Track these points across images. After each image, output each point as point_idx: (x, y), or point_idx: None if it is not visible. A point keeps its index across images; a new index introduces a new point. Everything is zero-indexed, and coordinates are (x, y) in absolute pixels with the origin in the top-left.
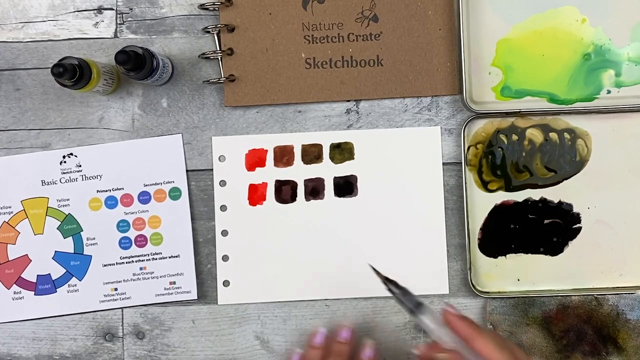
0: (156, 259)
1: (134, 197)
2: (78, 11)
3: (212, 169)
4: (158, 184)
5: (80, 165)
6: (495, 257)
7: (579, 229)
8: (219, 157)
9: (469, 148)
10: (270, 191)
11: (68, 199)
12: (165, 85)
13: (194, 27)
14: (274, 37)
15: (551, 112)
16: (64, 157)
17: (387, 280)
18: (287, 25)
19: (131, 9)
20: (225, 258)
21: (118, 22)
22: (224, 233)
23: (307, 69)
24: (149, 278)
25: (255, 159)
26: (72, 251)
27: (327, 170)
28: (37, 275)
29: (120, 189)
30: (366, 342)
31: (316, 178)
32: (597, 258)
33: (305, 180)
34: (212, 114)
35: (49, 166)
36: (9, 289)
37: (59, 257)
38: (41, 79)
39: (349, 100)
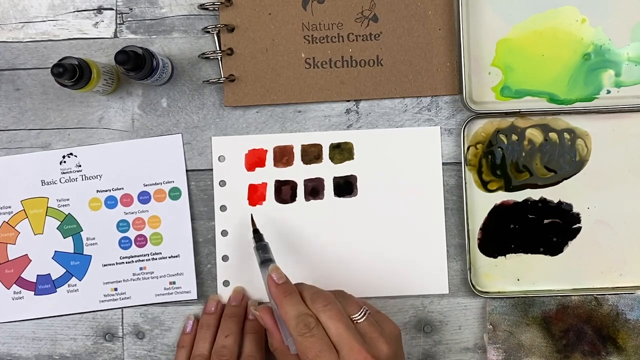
0: (156, 259)
1: (133, 197)
2: (78, 11)
3: (212, 169)
4: (158, 184)
5: (80, 165)
6: (495, 257)
7: (579, 229)
8: (219, 157)
9: (468, 148)
10: (270, 191)
11: (68, 199)
12: (165, 85)
13: (194, 27)
14: (273, 37)
15: (551, 112)
16: (63, 157)
17: (254, 231)
18: (287, 25)
19: (131, 9)
20: (225, 258)
21: (118, 22)
22: (224, 233)
23: (307, 69)
24: (149, 278)
25: (255, 159)
26: (72, 251)
27: (327, 170)
28: (37, 275)
29: (120, 189)
30: (252, 304)
31: (316, 178)
32: (597, 258)
33: (305, 180)
34: (212, 114)
35: (48, 166)
36: (9, 289)
37: (58, 257)
38: (41, 79)
39: (348, 100)
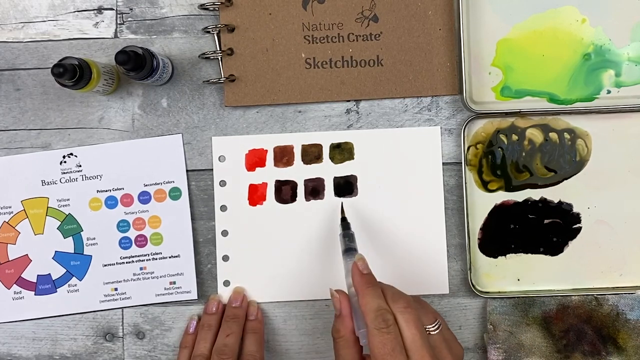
0: (156, 259)
1: (134, 197)
2: (78, 11)
3: (212, 169)
4: (158, 184)
5: (80, 165)
6: (495, 257)
7: (579, 229)
8: (219, 157)
9: (469, 148)
10: (270, 191)
11: (68, 199)
12: (165, 85)
13: (194, 27)
14: (274, 37)
15: (551, 112)
16: (64, 157)
17: (343, 219)
18: (287, 25)
19: (131, 9)
20: (225, 258)
21: (118, 22)
22: (224, 233)
23: (307, 69)
24: (149, 278)
25: (255, 159)
26: (72, 251)
27: (327, 170)
28: (37, 275)
29: (120, 189)
30: (251, 303)
31: (316, 178)
32: (597, 258)
33: (305, 180)
34: (212, 114)
35: (49, 166)
36: (9, 289)
37: (59, 257)
38: (41, 79)
39: (349, 100)
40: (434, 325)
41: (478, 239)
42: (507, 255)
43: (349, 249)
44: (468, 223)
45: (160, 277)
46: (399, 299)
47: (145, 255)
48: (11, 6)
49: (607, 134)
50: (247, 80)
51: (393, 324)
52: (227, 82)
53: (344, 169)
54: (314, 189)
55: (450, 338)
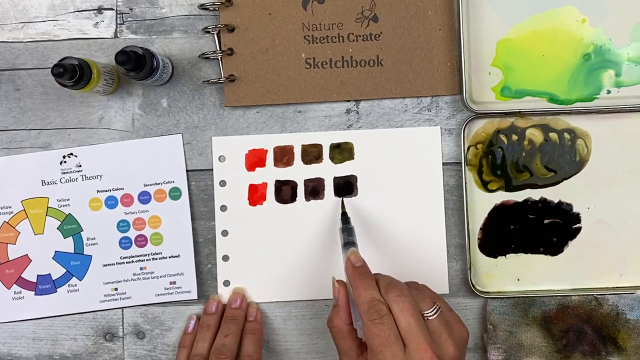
0: (156, 259)
1: (134, 197)
2: (78, 11)
3: (212, 169)
4: (158, 184)
5: (80, 165)
6: (495, 257)
7: (579, 229)
8: (219, 157)
9: (469, 148)
10: (270, 191)
11: (68, 199)
12: (165, 85)
13: (194, 27)
14: (274, 37)
15: (551, 112)
16: (64, 157)
17: (343, 214)
18: (287, 25)
19: (131, 9)
20: (225, 258)
21: (118, 22)
22: (224, 233)
23: (307, 69)
24: (149, 278)
25: (255, 159)
26: (72, 251)
27: (327, 170)
28: (37, 275)
29: (120, 189)
30: (251, 304)
31: (316, 178)
32: (597, 258)
33: (305, 180)
34: (212, 114)
35: (49, 166)
36: (9, 289)
37: (59, 257)
38: (41, 79)
39: (349, 100)
40: (431, 310)
41: (478, 239)
42: (507, 255)
43: (348, 243)
44: (468, 223)
45: (160, 277)
46: (392, 288)
47: (145, 255)
48: (11, 6)
49: (607, 134)
50: (247, 80)
51: (387, 314)
52: (227, 82)
53: (344, 169)
54: (314, 189)
55: (453, 320)
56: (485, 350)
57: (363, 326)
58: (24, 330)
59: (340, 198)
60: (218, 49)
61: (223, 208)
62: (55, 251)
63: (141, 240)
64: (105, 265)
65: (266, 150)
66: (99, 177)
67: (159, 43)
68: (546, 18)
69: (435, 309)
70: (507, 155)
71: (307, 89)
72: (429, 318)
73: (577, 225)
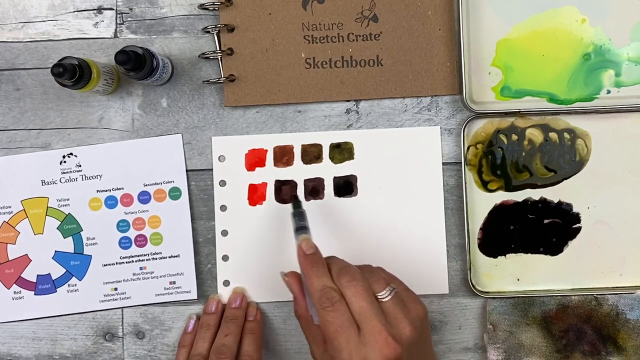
0: (156, 258)
1: (133, 197)
2: (78, 11)
3: (212, 169)
4: (158, 183)
5: (80, 165)
6: (495, 257)
7: (579, 229)
8: (219, 157)
9: (468, 148)
10: (270, 191)
11: (68, 199)
12: (165, 85)
13: (194, 27)
14: (274, 37)
15: (551, 112)
16: (64, 157)
17: (293, 197)
18: (287, 25)
19: (131, 9)
20: (225, 258)
21: (118, 22)
22: (224, 233)
23: (307, 69)
24: (149, 278)
25: (255, 159)
26: (72, 251)
27: (327, 170)
28: (37, 275)
29: (120, 188)
30: (251, 304)
31: (316, 178)
32: (597, 258)
33: (305, 180)
34: (212, 114)
35: (49, 166)
36: (9, 289)
37: (59, 257)
38: (41, 79)
39: (348, 100)
40: (385, 291)
41: (478, 239)
42: (507, 255)
43: (300, 228)
44: (468, 223)
45: (160, 277)
46: (344, 274)
47: (145, 255)
48: (11, 6)
49: (607, 134)
50: (247, 80)
51: (339, 301)
52: (227, 82)
53: (343, 169)
54: (314, 189)
55: (409, 299)
56: (485, 350)
57: (317, 314)
58: (23, 330)
59: (295, 184)
60: (218, 49)
61: (223, 208)
62: (55, 251)
63: (141, 240)
64: (105, 265)
65: (266, 150)
66: (98, 177)
67: (158, 43)
68: (546, 18)
69: (389, 291)
70: (507, 155)
71: (307, 88)
72: (383, 300)
73: (577, 225)
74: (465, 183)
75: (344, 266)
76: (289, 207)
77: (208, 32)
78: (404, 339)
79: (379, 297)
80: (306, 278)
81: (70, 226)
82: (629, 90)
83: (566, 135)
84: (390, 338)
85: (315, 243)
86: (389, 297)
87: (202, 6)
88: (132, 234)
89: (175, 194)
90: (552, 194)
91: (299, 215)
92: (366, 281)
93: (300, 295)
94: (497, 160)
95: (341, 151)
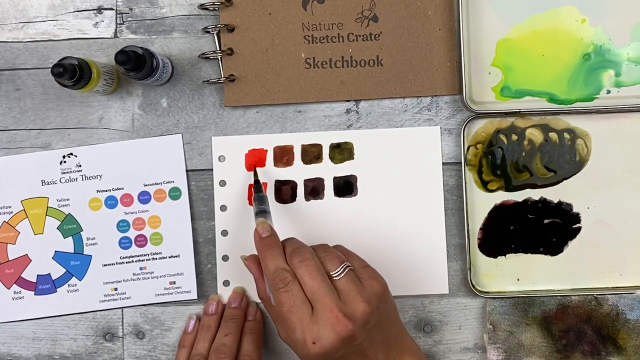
0: (156, 258)
1: (134, 197)
2: (78, 11)
3: (212, 169)
4: (158, 183)
5: (80, 165)
6: (495, 257)
7: (579, 229)
8: (219, 157)
9: (468, 148)
10: (270, 191)
11: (68, 199)
12: (165, 85)
13: (194, 27)
14: (274, 37)
15: (551, 112)
16: (64, 157)
17: (256, 182)
18: (287, 25)
19: (131, 9)
20: (225, 258)
21: (118, 22)
22: (224, 233)
23: (307, 69)
24: (149, 278)
25: (255, 159)
26: (72, 251)
27: (327, 170)
28: (37, 275)
29: (120, 188)
30: (251, 304)
31: (316, 178)
32: (597, 258)
33: (305, 180)
34: (212, 114)
35: (49, 166)
36: (9, 289)
37: (59, 257)
38: (41, 79)
39: (348, 100)
40: (337, 269)
41: (478, 239)
42: (507, 255)
43: (259, 212)
44: (468, 223)
45: (160, 277)
46: (296, 254)
47: (145, 255)
48: (11, 6)
49: (607, 134)
50: (247, 80)
51: (291, 281)
52: (227, 82)
53: (343, 169)
54: (314, 189)
55: (366, 276)
56: (485, 350)
57: (272, 295)
58: (23, 330)
59: (254, 166)
60: (218, 49)
61: (223, 208)
62: (55, 251)
63: (141, 240)
64: (105, 265)
65: (266, 150)
66: (98, 177)
67: (158, 43)
68: (546, 18)
69: (342, 268)
70: (507, 155)
71: (307, 88)
72: (336, 278)
73: (577, 225)
74: (465, 183)
75: (297, 247)
76: (289, 207)
77: (208, 32)
78: (357, 316)
79: (332, 275)
80: (261, 260)
81: (70, 226)
82: (629, 90)
83: (566, 135)
84: (341, 315)
85: (272, 225)
86: (342, 274)
87: (202, 6)
88: (132, 234)
89: (175, 194)
90: (552, 194)
91: (258, 199)
92: (318, 260)
93: (260, 278)
94: (497, 160)
95: (341, 151)
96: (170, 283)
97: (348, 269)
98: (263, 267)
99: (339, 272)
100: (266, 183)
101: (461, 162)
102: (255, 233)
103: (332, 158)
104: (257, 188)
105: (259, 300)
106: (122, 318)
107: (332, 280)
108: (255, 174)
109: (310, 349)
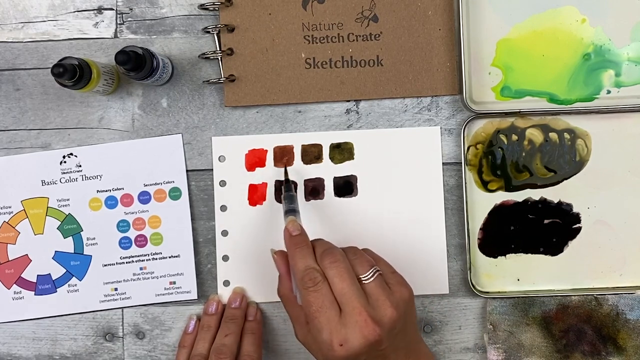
0: (156, 259)
1: (134, 197)
2: (78, 11)
3: (212, 169)
4: (158, 184)
5: (80, 165)
6: (495, 257)
7: (579, 229)
8: (219, 157)
9: (468, 148)
10: (270, 191)
11: (68, 199)
12: (165, 85)
13: (194, 27)
14: (274, 37)
15: (551, 112)
16: (64, 157)
17: (286, 181)
18: (287, 25)
19: (131, 9)
20: (225, 258)
21: (118, 22)
22: (224, 233)
23: (307, 69)
24: (149, 278)
25: (255, 159)
26: (72, 251)
27: (327, 170)
28: (37, 275)
29: (120, 189)
30: (250, 304)
31: (316, 178)
32: (597, 258)
33: (305, 180)
34: (212, 114)
35: (49, 166)
36: (9, 289)
37: (59, 257)
38: (41, 79)
39: (348, 100)
40: (368, 273)
41: (478, 239)
42: (507, 255)
43: (288, 211)
44: (468, 223)
45: (160, 277)
46: (327, 255)
47: (145, 255)
48: (11, 6)
49: (607, 134)
50: (247, 80)
51: (321, 281)
52: (227, 82)
53: (344, 169)
54: (314, 189)
55: (394, 282)
56: (485, 350)
57: (300, 294)
58: (23, 330)
59: (284, 166)
60: (218, 49)
61: (223, 208)
62: (55, 251)
63: (141, 240)
64: (105, 265)
65: (266, 150)
66: (98, 177)
67: (159, 43)
68: (546, 18)
69: (372, 272)
70: (507, 155)
71: (307, 89)
72: (366, 282)
73: (577, 225)
74: (465, 183)
75: (327, 248)
76: None
77: (208, 32)
78: (385, 321)
79: (362, 278)
80: (290, 258)
81: (70, 226)
82: (629, 90)
83: (566, 136)
84: (370, 319)
85: (302, 225)
86: (372, 279)
87: (202, 6)
88: (132, 234)
89: (175, 194)
90: (552, 194)
91: (289, 198)
92: (348, 263)
93: (286, 275)
94: (497, 161)
95: (341, 151)
96: (171, 283)
97: (377, 273)
98: (292, 265)
99: (368, 276)
100: (266, 183)
101: (461, 162)
102: (285, 231)
103: (332, 158)
104: (287, 187)
105: (259, 300)
106: (122, 318)
107: (361, 283)
108: (286, 173)
109: (337, 350)
